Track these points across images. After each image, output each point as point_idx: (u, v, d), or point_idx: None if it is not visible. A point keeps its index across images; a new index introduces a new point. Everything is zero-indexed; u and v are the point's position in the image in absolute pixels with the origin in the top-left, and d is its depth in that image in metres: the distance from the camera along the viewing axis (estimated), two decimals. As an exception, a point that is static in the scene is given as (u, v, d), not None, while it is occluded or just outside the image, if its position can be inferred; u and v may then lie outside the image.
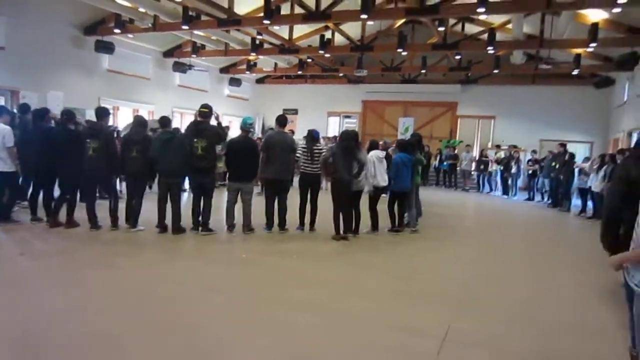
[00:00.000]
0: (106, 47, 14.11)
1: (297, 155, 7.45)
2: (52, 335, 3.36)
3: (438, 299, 4.64)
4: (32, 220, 6.97)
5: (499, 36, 12.61)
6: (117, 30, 13.41)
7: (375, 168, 7.49)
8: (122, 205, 6.99)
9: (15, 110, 8.46)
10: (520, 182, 15.34)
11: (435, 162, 17.44)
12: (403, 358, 3.25)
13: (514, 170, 14.67)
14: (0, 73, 12.18)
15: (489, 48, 12.34)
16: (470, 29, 14.96)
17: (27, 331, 3.39)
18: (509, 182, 14.89)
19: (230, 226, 7.11)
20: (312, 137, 7.50)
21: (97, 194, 7.11)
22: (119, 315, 3.79)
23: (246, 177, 7.02)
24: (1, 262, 5.11)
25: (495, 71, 15.45)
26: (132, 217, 6.85)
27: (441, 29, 13.08)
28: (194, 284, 4.73)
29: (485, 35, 12.59)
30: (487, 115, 18.76)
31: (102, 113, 6.93)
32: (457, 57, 15.83)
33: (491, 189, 15.96)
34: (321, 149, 7.46)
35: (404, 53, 14.70)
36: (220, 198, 7.99)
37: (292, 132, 15.28)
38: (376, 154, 7.66)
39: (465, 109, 19.14)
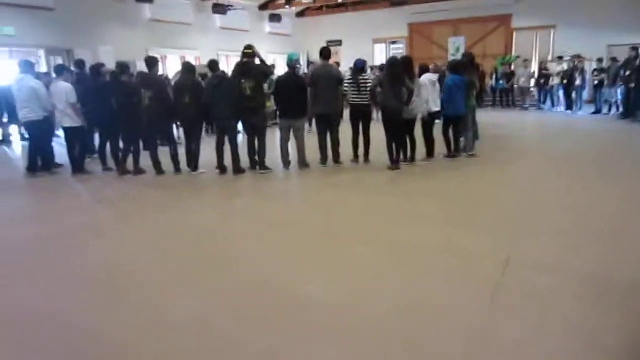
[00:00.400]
0: (146, -4, 14.13)
1: (345, 87, 7.30)
2: (137, 274, 3.69)
3: (498, 223, 4.55)
4: (104, 170, 7.46)
5: None
6: (154, -22, 13.33)
7: (429, 93, 7.25)
8: (182, 151, 7.29)
9: (72, 68, 8.79)
10: (585, 95, 14.37)
11: (491, 82, 16.60)
12: (466, 282, 3.26)
13: (578, 82, 13.69)
14: (53, 34, 12.63)
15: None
16: None
17: (115, 271, 3.73)
18: (573, 95, 13.98)
19: (286, 163, 7.25)
20: (357, 67, 7.29)
21: (159, 142, 7.40)
22: (188, 253, 4.07)
23: (296, 114, 7.02)
24: (82, 210, 5.55)
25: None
26: (193, 161, 7.13)
27: None
28: (254, 220, 4.93)
29: None
30: (546, 25, 17.37)
31: (151, 62, 7.06)
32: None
33: (553, 105, 15.09)
34: (367, 79, 7.27)
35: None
36: (273, 137, 8.11)
37: (338, 64, 14.98)
38: (428, 77, 7.37)
39: (521, 20, 17.80)
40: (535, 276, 3.32)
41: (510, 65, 16.32)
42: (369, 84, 7.12)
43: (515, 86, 16.05)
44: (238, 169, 7.03)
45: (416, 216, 4.89)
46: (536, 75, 15.75)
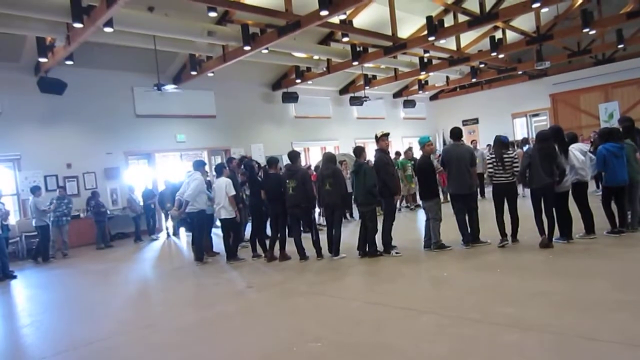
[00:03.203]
0: (291, 97, 15.80)
1: (488, 166, 7.10)
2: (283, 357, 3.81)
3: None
4: (253, 257, 8.04)
5: None
6: (297, 80, 14.97)
7: (579, 161, 6.68)
8: (323, 237, 7.59)
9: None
10: None
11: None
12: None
13: None
14: (215, 137, 14.65)
15: None
16: (677, -17, 12.51)
17: (264, 354, 3.90)
18: None
19: (427, 245, 7.16)
20: (501, 142, 6.95)
21: (302, 229, 7.82)
22: (331, 338, 4.10)
23: (425, 195, 7.20)
24: (236, 294, 6.01)
25: None
26: (334, 246, 7.36)
27: (636, -7, 11.28)
28: (397, 305, 4.82)
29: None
30: None
31: (293, 155, 7.71)
32: (664, 19, 13.33)
33: None
34: (512, 156, 6.86)
35: (592, 32, 13.06)
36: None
37: (474, 142, 14.68)
38: (578, 147, 6.86)
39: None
40: None
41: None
42: (516, 162, 6.80)
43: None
44: (372, 252, 7.11)
45: (576, 300, 4.32)
46: None
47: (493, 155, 6.94)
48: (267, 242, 7.89)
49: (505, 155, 6.81)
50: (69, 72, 11.32)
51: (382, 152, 7.23)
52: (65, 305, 6.50)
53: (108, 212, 11.65)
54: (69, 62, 10.69)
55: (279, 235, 7.65)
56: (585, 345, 3.39)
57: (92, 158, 12.23)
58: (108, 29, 8.63)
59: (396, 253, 7.00)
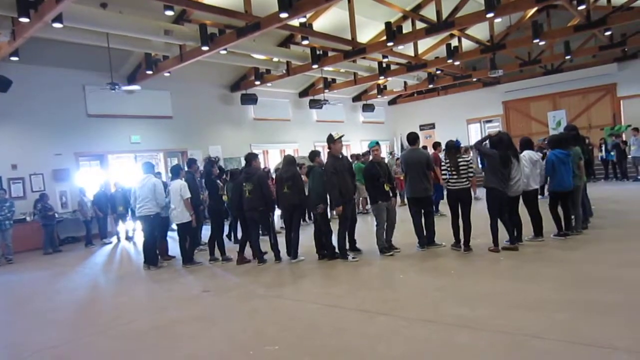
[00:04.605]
0: (250, 99, 15.67)
1: (443, 171, 7.09)
2: (238, 361, 3.74)
3: (626, 309, 4.03)
4: (210, 261, 7.88)
5: (656, -1, 11.00)
6: (257, 82, 14.88)
7: (529, 168, 6.91)
8: (282, 239, 7.54)
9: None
10: None
11: (600, 154, 15.47)
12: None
13: None
14: (172, 138, 14.32)
15: (646, 14, 10.80)
16: (618, -2, 13.28)
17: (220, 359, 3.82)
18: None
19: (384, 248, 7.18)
20: (455, 147, 7.03)
21: (260, 232, 7.75)
22: (288, 342, 4.07)
23: (370, 200, 7.22)
24: (191, 299, 5.86)
25: (660, 38, 13.46)
26: (292, 249, 7.32)
27: (582, 7, 11.81)
28: (354, 308, 4.84)
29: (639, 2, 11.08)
30: (657, 90, 16.25)
31: (249, 158, 7.59)
32: (607, 33, 14.11)
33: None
34: (467, 160, 6.87)
35: (542, 43, 13.65)
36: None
37: (425, 147, 14.97)
38: (530, 154, 7.04)
39: (628, 88, 16.86)
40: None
41: (621, 135, 15.19)
42: (471, 167, 6.83)
43: (630, 157, 14.76)
44: (332, 254, 7.12)
45: (525, 300, 4.47)
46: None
47: (447, 161, 6.92)
48: (237, 244, 7.80)
49: (460, 160, 6.83)
50: (15, 69, 10.76)
51: (334, 157, 6.96)
52: (11, 312, 6.19)
53: (56, 215, 11.13)
54: (14, 59, 10.18)
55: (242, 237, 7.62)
56: (534, 344, 3.50)
57: (39, 159, 11.67)
58: (57, 25, 8.28)
59: (352, 258, 6.94)
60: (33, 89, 11.55)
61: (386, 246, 7.11)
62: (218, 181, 8.49)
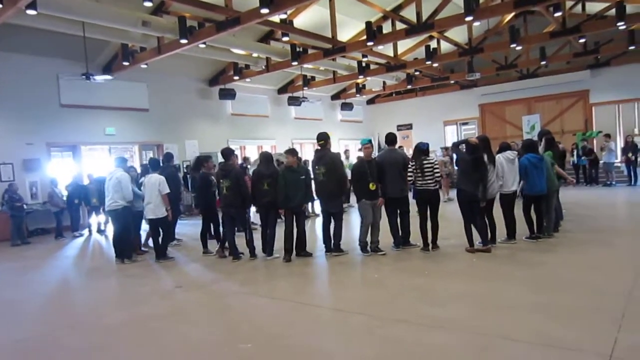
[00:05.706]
0: (228, 94, 15.50)
1: (409, 172, 7.03)
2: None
3: (594, 312, 4.15)
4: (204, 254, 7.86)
5: (629, 8, 11.30)
6: (235, 77, 14.72)
7: (505, 171, 7.03)
8: (257, 236, 7.50)
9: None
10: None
11: (572, 159, 15.87)
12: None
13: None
14: (147, 131, 14.06)
15: (618, 24, 11.08)
16: (593, 7, 13.59)
17: (191, 356, 3.77)
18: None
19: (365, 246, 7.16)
20: (420, 149, 7.04)
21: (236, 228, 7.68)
22: (261, 339, 4.05)
23: (356, 197, 7.25)
24: (163, 294, 5.77)
25: (631, 47, 13.87)
26: (268, 246, 7.29)
27: (558, 14, 12.06)
28: (328, 306, 4.86)
29: (613, 11, 11.37)
30: (628, 98, 16.73)
31: (226, 153, 7.51)
32: (581, 40, 14.47)
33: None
34: (432, 162, 6.97)
35: (519, 48, 13.90)
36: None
37: (401, 147, 15.11)
38: (506, 155, 7.13)
39: (600, 95, 17.29)
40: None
41: (592, 140, 15.61)
42: (437, 168, 6.95)
43: (601, 162, 15.21)
44: (305, 253, 7.20)
45: (496, 302, 4.56)
46: (619, 149, 14.85)
47: (413, 162, 6.98)
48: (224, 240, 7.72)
49: (425, 162, 6.91)
50: (-15, 55, 10.43)
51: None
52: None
53: (25, 206, 10.82)
54: (-15, 44, 9.86)
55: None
56: (505, 345, 3.58)
57: (9, 148, 11.31)
58: (31, 12, 8.03)
59: (335, 254, 7.03)
60: (4, 77, 11.19)
61: (369, 245, 7.09)
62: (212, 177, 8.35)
